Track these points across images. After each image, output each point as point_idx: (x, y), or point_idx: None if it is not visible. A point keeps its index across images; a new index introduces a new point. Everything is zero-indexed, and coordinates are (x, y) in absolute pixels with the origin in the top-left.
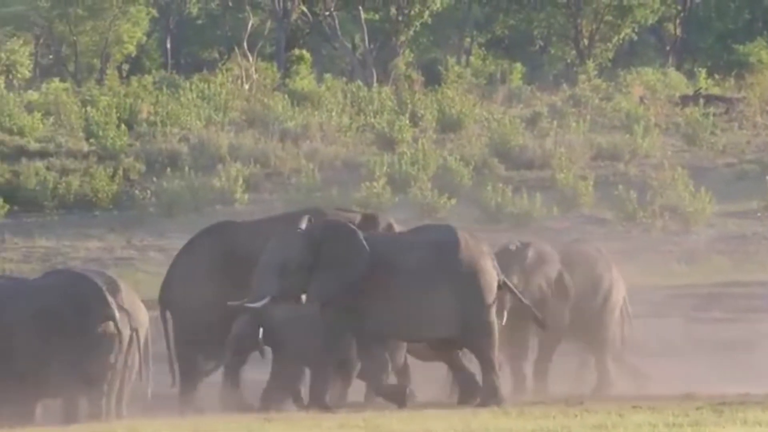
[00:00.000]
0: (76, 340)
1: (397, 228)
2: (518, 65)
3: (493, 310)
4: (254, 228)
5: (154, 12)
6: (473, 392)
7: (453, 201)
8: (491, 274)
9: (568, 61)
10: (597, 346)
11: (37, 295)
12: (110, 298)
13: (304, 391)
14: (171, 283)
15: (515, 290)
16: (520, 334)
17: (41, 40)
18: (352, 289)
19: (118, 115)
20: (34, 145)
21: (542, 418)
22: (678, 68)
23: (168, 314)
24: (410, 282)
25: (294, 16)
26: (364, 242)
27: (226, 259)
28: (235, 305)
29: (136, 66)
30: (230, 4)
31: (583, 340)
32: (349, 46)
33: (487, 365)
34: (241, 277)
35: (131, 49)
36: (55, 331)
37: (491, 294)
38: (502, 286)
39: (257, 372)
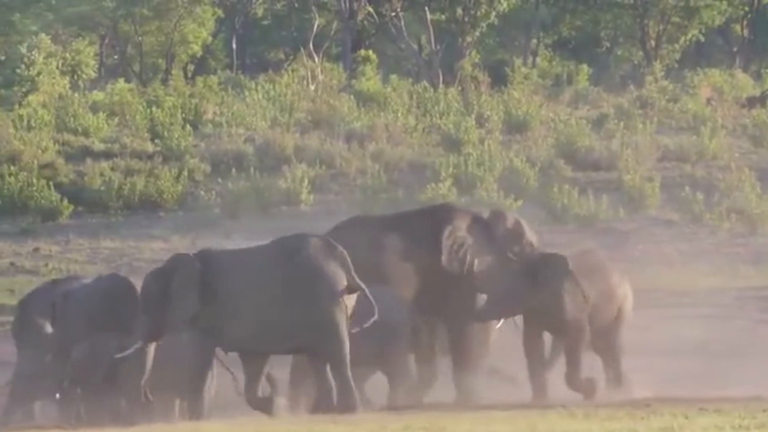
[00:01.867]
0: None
1: (525, 226)
2: (585, 66)
3: (338, 314)
4: (387, 223)
5: (220, 12)
6: (327, 406)
7: (519, 202)
8: (333, 281)
9: (635, 62)
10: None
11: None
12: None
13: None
14: None
15: (369, 295)
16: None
17: (106, 41)
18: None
19: (183, 115)
20: (98, 146)
21: (608, 420)
22: (745, 69)
23: None
24: (253, 296)
25: (360, 17)
26: (196, 272)
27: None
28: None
29: (201, 66)
30: (296, 4)
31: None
32: (416, 47)
33: (339, 370)
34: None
35: (197, 49)
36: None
37: (334, 300)
38: (352, 290)
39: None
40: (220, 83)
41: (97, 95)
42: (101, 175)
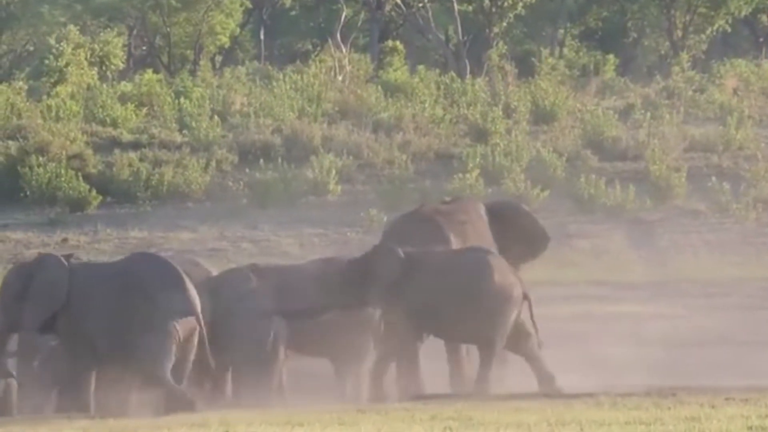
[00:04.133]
0: None
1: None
2: (611, 57)
3: (159, 334)
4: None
5: (248, 3)
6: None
7: (546, 192)
8: (173, 301)
9: (662, 52)
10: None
11: None
12: None
13: None
14: None
15: (199, 318)
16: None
17: (135, 31)
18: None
19: (212, 106)
20: (127, 137)
21: (635, 409)
22: None
23: None
24: (104, 309)
25: (387, 8)
26: (65, 274)
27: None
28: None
29: (229, 57)
30: None
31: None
32: (443, 37)
33: (155, 382)
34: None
35: (224, 40)
36: None
37: (159, 320)
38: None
39: None
40: (247, 74)
41: (126, 86)
42: (129, 165)
